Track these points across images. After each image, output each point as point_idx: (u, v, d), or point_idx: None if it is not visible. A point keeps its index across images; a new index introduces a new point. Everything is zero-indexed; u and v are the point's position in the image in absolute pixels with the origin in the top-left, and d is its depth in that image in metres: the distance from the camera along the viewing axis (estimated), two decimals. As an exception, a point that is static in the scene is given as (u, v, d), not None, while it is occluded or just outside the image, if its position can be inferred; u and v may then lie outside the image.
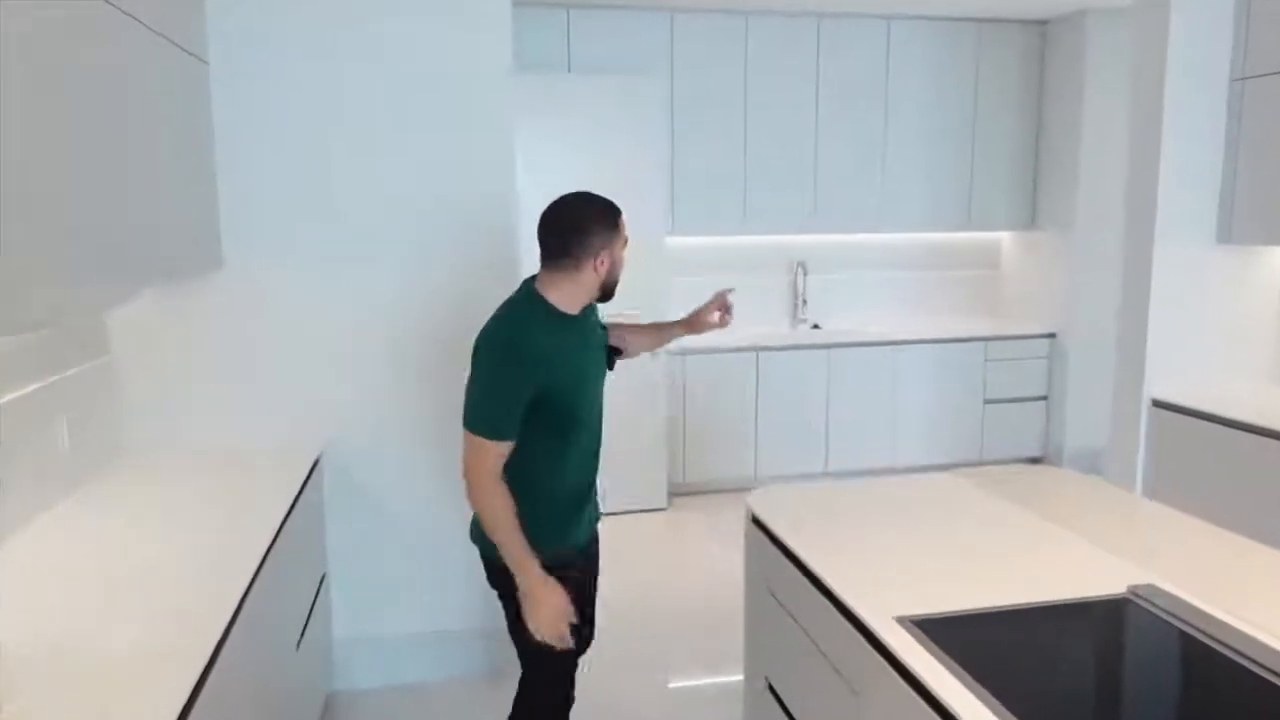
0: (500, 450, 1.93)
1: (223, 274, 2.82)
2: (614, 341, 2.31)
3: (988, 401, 5.42)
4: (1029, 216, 5.62)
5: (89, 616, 1.73)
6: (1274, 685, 1.40)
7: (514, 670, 3.18)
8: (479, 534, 2.08)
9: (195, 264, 2.65)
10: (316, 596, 2.79)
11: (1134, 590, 1.71)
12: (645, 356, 4.68)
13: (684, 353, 4.93)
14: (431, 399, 3.00)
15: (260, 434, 2.88)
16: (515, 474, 1.96)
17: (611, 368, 2.24)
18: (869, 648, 1.61)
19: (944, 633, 1.56)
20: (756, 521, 2.25)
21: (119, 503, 2.38)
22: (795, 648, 2.01)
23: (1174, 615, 1.62)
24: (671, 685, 3.26)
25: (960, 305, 5.88)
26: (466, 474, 1.95)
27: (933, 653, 1.49)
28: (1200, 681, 1.52)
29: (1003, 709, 1.31)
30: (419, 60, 2.87)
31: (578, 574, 2.13)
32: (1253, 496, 3.18)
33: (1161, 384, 3.55)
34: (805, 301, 5.56)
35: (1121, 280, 3.70)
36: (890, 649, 1.54)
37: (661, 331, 2.50)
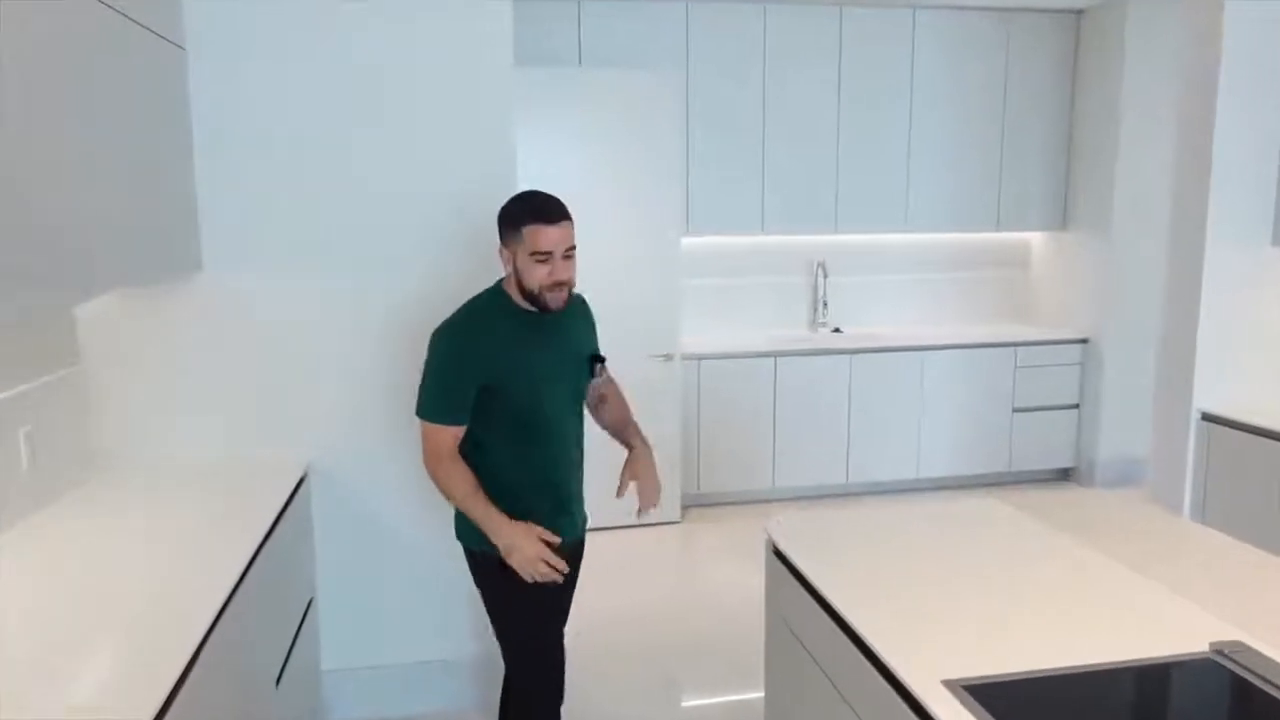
0: (450, 433, 2.04)
1: (202, 276, 2.62)
2: (591, 397, 2.28)
3: (1016, 410, 5.17)
4: (1060, 216, 5.36)
5: (38, 643, 1.58)
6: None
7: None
8: (459, 527, 2.17)
9: (171, 265, 2.46)
10: (302, 623, 2.59)
11: (1218, 648, 1.48)
12: (658, 362, 4.48)
13: (699, 358, 4.71)
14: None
15: (241, 447, 2.69)
16: (477, 465, 2.07)
17: (593, 375, 2.20)
18: (913, 716, 1.39)
19: (1001, 700, 1.34)
20: (778, 554, 2.03)
21: (82, 525, 2.20)
22: (823, 702, 1.79)
23: (1267, 680, 1.40)
24: (684, 704, 3.14)
25: (988, 309, 5.63)
26: (425, 460, 2.06)
27: (986, 724, 1.27)
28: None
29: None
30: (413, 52, 2.66)
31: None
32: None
33: (1211, 396, 3.30)
34: (825, 304, 5.33)
35: (1166, 284, 3.46)
36: (938, 720, 1.32)
37: (621, 432, 2.33)
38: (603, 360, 2.23)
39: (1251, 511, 3.15)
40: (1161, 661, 1.46)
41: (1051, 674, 1.42)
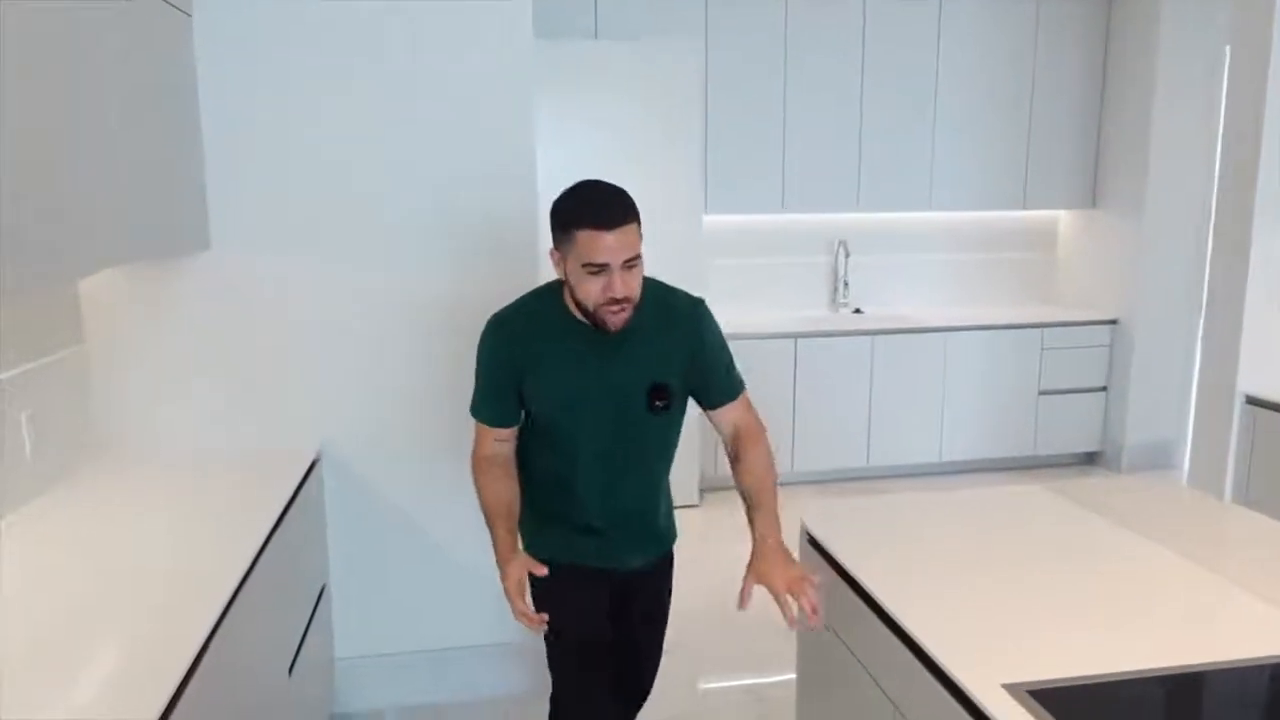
0: (493, 434, 1.87)
1: (209, 255, 2.52)
2: (725, 445, 1.95)
3: (1042, 393, 5.04)
4: (1090, 194, 5.21)
5: (44, 632, 1.52)
6: None
7: (530, 692, 2.94)
8: (519, 530, 1.96)
9: (177, 243, 2.37)
10: (314, 611, 2.51)
11: (1300, 650, 1.38)
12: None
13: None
14: (443, 395, 2.69)
15: (250, 432, 2.60)
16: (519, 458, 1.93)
17: (652, 410, 1.80)
18: (971, 722, 1.30)
19: (1070, 706, 1.24)
20: (814, 543, 1.93)
21: (86, 511, 2.12)
22: (864, 701, 1.69)
23: (1355, 684, 1.29)
24: (701, 686, 3.07)
25: (1013, 289, 5.49)
26: (473, 453, 1.92)
27: (1056, 734, 1.17)
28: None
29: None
30: (430, 23, 2.54)
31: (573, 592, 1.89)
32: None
33: (1256, 379, 3.18)
34: (847, 284, 5.20)
35: (1210, 264, 3.33)
36: (1002, 729, 1.22)
37: (750, 505, 1.85)
38: (664, 393, 1.80)
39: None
40: (1243, 665, 1.36)
41: (1122, 678, 1.32)
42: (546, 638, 1.90)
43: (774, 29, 4.72)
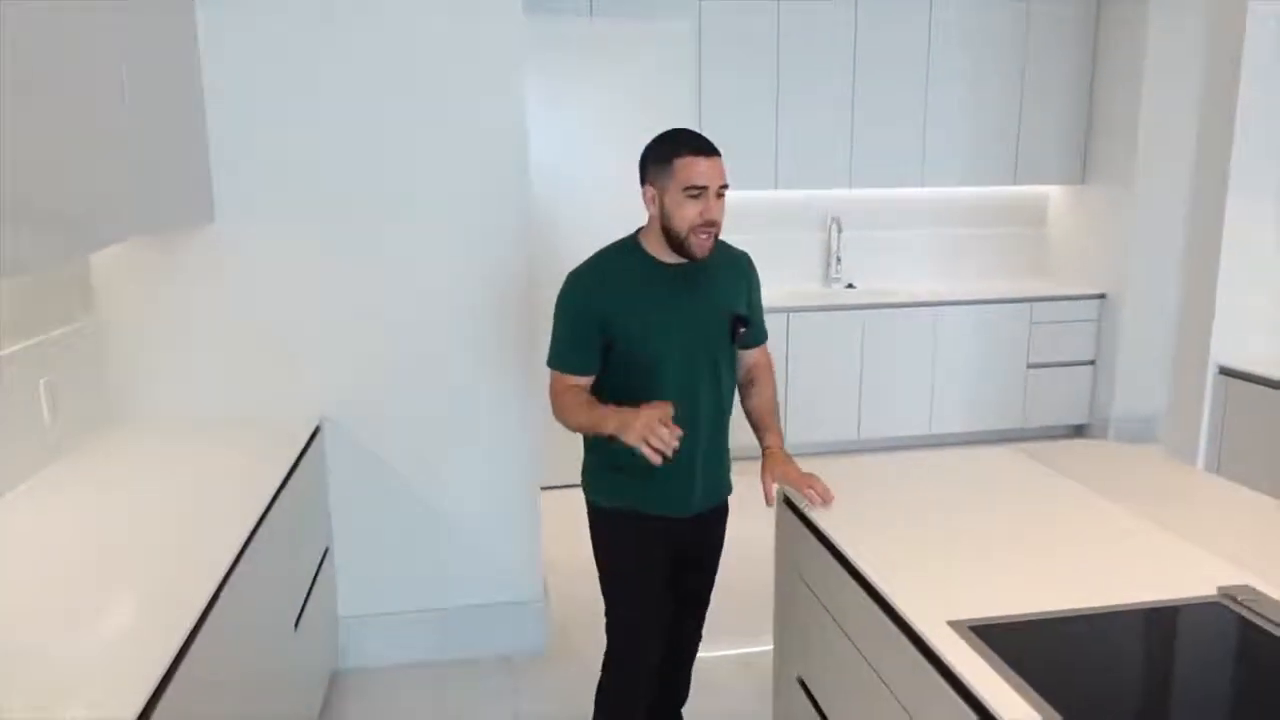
0: (570, 381, 1.96)
1: (214, 228, 2.63)
2: (741, 374, 2.14)
3: (1031, 366, 5.14)
4: (1080, 170, 5.28)
5: (59, 590, 1.61)
6: None
7: (528, 650, 3.06)
8: (584, 478, 2.11)
9: (183, 216, 2.46)
10: (318, 571, 2.64)
11: (1226, 592, 1.49)
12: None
13: (711, 314, 4.69)
14: (442, 361, 2.81)
15: (256, 401, 2.71)
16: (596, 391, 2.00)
17: (734, 341, 2.02)
18: (919, 655, 1.41)
19: (1006, 641, 1.35)
20: (789, 503, 2.04)
21: (102, 472, 2.24)
22: (832, 646, 1.81)
23: (1274, 622, 1.40)
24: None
25: (1004, 264, 5.57)
26: (550, 395, 2.00)
27: (993, 664, 1.28)
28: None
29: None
30: (423, 5, 2.64)
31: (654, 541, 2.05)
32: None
33: (1229, 350, 3.27)
34: (839, 260, 5.29)
35: (1186, 238, 3.41)
36: (944, 659, 1.33)
37: (759, 424, 2.14)
38: (747, 322, 2.04)
39: (1268, 465, 3.14)
40: (1169, 604, 1.47)
41: (1057, 615, 1.43)
42: (609, 586, 2.08)
43: (767, 7, 4.78)
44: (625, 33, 4.35)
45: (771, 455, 2.05)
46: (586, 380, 1.98)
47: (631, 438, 1.76)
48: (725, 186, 1.88)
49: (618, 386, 1.95)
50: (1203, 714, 1.29)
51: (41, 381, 2.19)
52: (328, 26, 2.60)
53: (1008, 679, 1.25)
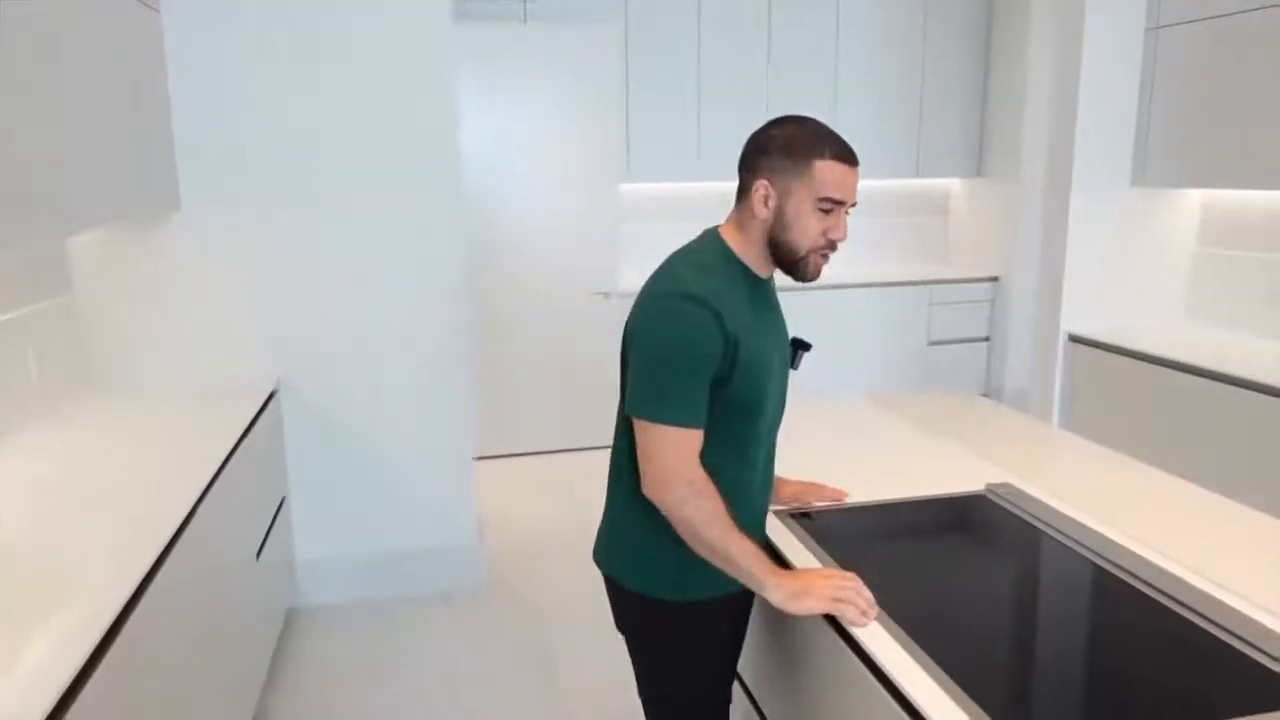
0: (693, 440, 1.46)
1: (181, 215, 2.97)
2: None
3: (932, 343, 5.65)
4: (976, 164, 5.80)
5: (44, 520, 1.84)
6: (1102, 569, 1.61)
7: (467, 590, 3.44)
8: (612, 553, 1.66)
9: (150, 206, 2.79)
10: (276, 517, 2.99)
11: (991, 488, 1.94)
12: (597, 298, 4.88)
13: (630, 296, 5.08)
14: (386, 333, 3.18)
15: (217, 369, 3.06)
16: None
17: (795, 366, 1.75)
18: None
19: (819, 524, 1.78)
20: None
21: (77, 431, 2.51)
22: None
23: (1023, 509, 1.84)
24: None
25: (910, 251, 6.08)
26: (654, 484, 1.46)
27: (804, 542, 1.70)
28: (1050, 569, 1.73)
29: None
30: (362, 10, 2.99)
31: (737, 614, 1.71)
32: (1162, 425, 3.42)
33: (1078, 320, 3.77)
34: (759, 247, 5.73)
35: (1040, 221, 3.91)
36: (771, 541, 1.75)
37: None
38: (808, 348, 1.75)
39: (1111, 421, 3.64)
40: (946, 496, 1.91)
41: (856, 506, 1.87)
42: (684, 704, 1.67)
43: (688, 12, 5.20)
44: (557, 37, 4.75)
45: (782, 482, 1.86)
46: (699, 442, 1.48)
47: (815, 603, 1.42)
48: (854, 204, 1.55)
49: (718, 445, 1.51)
50: (962, 572, 1.73)
51: (30, 349, 2.52)
52: (281, 37, 2.95)
53: (814, 552, 1.65)
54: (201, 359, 3.05)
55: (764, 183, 1.52)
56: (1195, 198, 3.82)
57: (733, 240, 1.59)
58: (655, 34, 5.16)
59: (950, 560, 1.77)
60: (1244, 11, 3.24)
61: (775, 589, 1.45)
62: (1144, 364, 3.51)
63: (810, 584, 1.44)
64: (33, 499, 2.01)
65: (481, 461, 3.37)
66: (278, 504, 3.05)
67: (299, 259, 3.09)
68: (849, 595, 1.40)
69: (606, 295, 4.93)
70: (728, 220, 1.62)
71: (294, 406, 3.16)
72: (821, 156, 1.50)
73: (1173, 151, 3.56)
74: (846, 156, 1.53)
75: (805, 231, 1.52)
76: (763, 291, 1.62)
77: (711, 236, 1.62)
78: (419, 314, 3.19)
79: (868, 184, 5.79)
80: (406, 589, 3.35)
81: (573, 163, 4.81)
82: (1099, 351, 3.71)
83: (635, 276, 5.28)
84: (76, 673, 1.35)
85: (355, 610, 3.28)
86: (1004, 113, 5.56)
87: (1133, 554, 1.62)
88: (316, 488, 3.23)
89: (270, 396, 2.98)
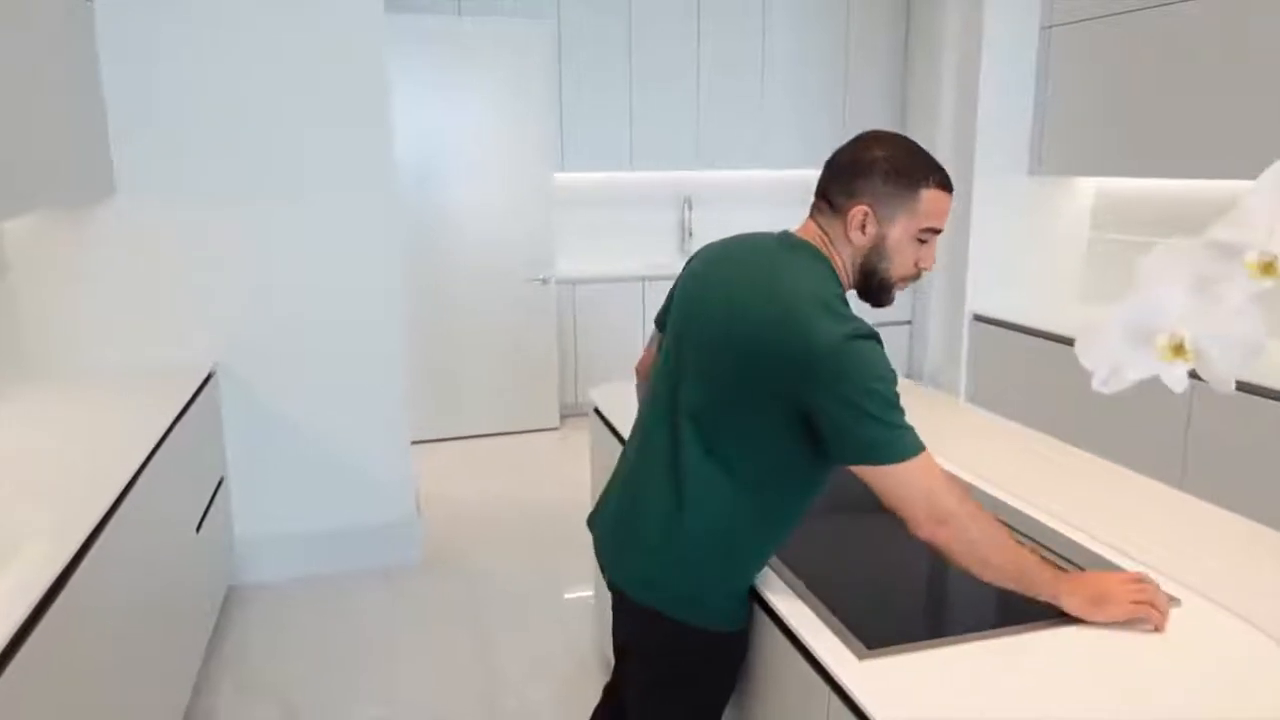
0: (933, 461, 1.37)
1: (116, 200, 3.03)
2: None
3: (857, 327, 5.87)
4: (897, 155, 6.03)
5: None
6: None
7: (400, 565, 3.55)
8: (670, 589, 1.51)
9: (85, 190, 2.85)
10: (214, 496, 3.07)
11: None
12: (535, 285, 5.02)
13: (573, 282, 5.25)
14: (321, 316, 3.28)
15: (153, 351, 3.12)
16: (766, 510, 1.48)
17: None
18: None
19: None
20: (598, 412, 2.61)
21: (16, 412, 2.56)
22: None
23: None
24: (566, 596, 3.34)
25: (836, 238, 6.30)
26: (923, 516, 1.34)
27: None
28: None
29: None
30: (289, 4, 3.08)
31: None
32: (1058, 396, 3.68)
33: (981, 300, 4.02)
34: (691, 234, 5.92)
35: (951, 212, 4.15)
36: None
37: None
38: None
39: (1012, 395, 3.90)
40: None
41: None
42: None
43: (619, 6, 5.35)
44: (491, 31, 4.86)
45: None
46: None
47: (1118, 610, 1.35)
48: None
49: (794, 469, 1.47)
50: (854, 531, 1.91)
51: (-34, 330, 2.57)
52: (215, 25, 3.02)
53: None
54: (137, 343, 3.12)
55: (864, 208, 1.43)
56: (1089, 186, 4.10)
57: (834, 261, 1.48)
58: (588, 27, 5.30)
59: (849, 525, 1.95)
60: (1132, 11, 3.49)
61: (1070, 595, 1.36)
62: (1042, 340, 3.77)
63: (1109, 590, 1.37)
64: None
65: (423, 445, 3.46)
66: (216, 483, 3.13)
67: (235, 244, 3.17)
68: (1151, 598, 1.35)
69: (544, 281, 5.07)
70: (806, 231, 1.52)
71: (231, 388, 3.25)
72: (928, 185, 1.42)
73: (1067, 142, 3.82)
74: (948, 184, 1.46)
75: (904, 262, 1.46)
76: None
77: (813, 254, 1.48)
78: (354, 296, 3.30)
79: (797, 174, 6.00)
80: (346, 564, 3.46)
81: (508, 153, 4.93)
82: (1001, 330, 3.96)
83: (570, 263, 5.46)
84: (9, 639, 1.37)
85: (296, 585, 3.38)
86: (923, 104, 5.80)
87: (993, 498, 1.83)
88: (255, 467, 3.32)
89: (207, 378, 3.06)
